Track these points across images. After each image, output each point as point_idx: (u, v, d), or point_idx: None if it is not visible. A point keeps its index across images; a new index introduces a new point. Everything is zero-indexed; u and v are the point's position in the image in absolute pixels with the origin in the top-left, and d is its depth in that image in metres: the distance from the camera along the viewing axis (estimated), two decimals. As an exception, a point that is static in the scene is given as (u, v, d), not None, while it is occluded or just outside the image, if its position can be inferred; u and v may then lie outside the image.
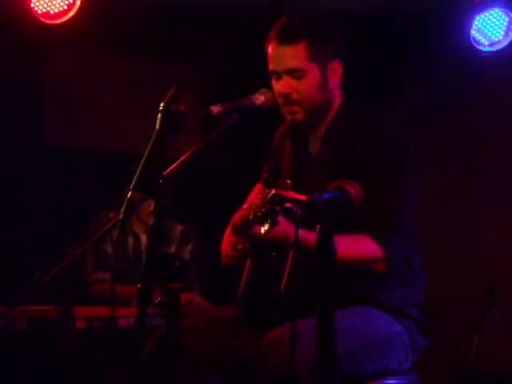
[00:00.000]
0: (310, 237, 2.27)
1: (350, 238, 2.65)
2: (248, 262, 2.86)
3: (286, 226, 2.56)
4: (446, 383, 4.70)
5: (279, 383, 2.54)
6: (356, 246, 2.71)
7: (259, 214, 2.42)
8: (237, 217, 2.77)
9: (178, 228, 4.72)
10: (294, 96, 2.86)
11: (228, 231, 2.92)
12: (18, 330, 3.37)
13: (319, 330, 2.12)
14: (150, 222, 2.17)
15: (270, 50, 2.88)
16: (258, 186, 3.16)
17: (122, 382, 3.36)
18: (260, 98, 2.82)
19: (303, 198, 2.25)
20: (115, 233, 4.32)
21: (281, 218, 2.49)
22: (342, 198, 2.22)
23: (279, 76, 2.87)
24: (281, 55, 2.85)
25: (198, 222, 4.82)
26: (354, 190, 2.24)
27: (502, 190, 4.82)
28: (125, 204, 2.16)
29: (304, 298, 2.16)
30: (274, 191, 2.35)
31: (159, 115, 2.21)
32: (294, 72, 2.84)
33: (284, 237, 2.61)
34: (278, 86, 2.87)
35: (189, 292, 4.42)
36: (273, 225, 2.37)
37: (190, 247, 4.71)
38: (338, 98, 2.93)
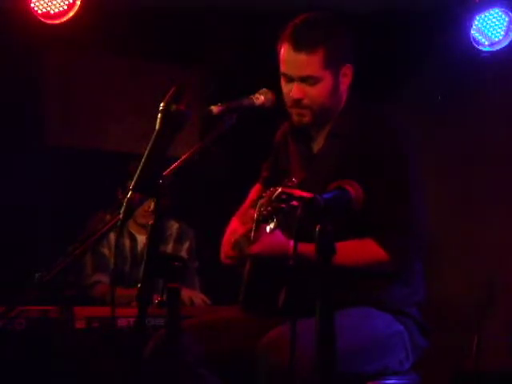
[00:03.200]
0: (309, 248, 2.26)
1: (354, 244, 2.66)
2: (248, 263, 2.87)
3: (282, 242, 2.59)
4: (445, 383, 4.70)
5: (279, 383, 2.54)
6: (361, 253, 2.73)
7: (265, 212, 2.43)
8: (234, 236, 2.80)
9: (175, 225, 4.68)
10: (305, 101, 2.86)
11: (228, 232, 2.93)
12: (18, 329, 3.37)
13: (319, 330, 2.12)
14: (150, 222, 2.16)
15: (283, 52, 2.86)
16: (258, 186, 3.17)
17: (121, 382, 3.36)
18: (260, 98, 2.81)
19: (309, 195, 2.25)
20: (113, 234, 4.35)
21: (276, 234, 2.51)
22: (342, 197, 2.22)
23: (291, 80, 2.86)
24: (296, 61, 2.84)
25: (197, 218, 4.81)
26: (354, 190, 2.24)
27: (502, 190, 4.81)
28: (125, 204, 2.15)
29: (305, 297, 2.16)
30: (280, 189, 2.34)
31: (159, 115, 2.21)
32: (308, 79, 2.84)
33: (282, 252, 2.64)
34: (290, 90, 2.86)
35: (190, 289, 4.42)
36: (278, 224, 2.38)
37: (187, 245, 4.68)
38: (344, 99, 2.93)
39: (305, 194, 2.26)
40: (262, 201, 2.60)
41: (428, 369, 3.09)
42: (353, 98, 2.94)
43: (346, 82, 2.90)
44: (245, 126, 2.72)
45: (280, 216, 2.38)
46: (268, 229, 2.42)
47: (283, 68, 2.88)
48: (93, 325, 3.50)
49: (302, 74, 2.84)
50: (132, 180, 4.73)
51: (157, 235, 2.16)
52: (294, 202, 2.28)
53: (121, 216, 2.16)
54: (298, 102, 2.86)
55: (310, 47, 2.82)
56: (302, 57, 2.82)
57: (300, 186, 2.86)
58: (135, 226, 4.55)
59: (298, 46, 2.83)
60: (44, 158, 4.91)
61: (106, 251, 4.49)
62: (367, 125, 2.86)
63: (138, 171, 2.15)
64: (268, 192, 2.54)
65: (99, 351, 3.50)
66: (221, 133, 2.64)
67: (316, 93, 2.85)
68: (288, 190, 2.32)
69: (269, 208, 2.40)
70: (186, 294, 4.33)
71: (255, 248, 2.72)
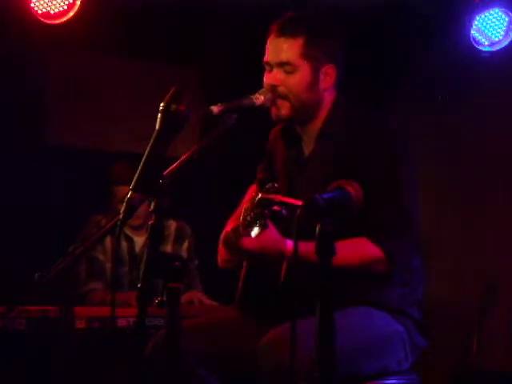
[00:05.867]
0: (308, 248, 2.26)
1: (349, 242, 2.65)
2: (245, 263, 2.86)
3: (276, 240, 2.59)
4: (445, 383, 4.70)
5: (278, 383, 2.54)
6: (356, 251, 2.72)
7: (248, 218, 2.45)
8: (225, 233, 2.79)
9: (173, 224, 4.64)
10: (281, 89, 2.85)
11: (223, 235, 2.91)
12: (18, 329, 3.37)
13: (319, 330, 2.12)
14: (150, 222, 2.16)
15: (268, 41, 2.89)
16: (253, 188, 3.16)
17: (122, 382, 3.36)
18: (260, 98, 2.82)
19: (291, 200, 2.26)
20: (108, 238, 4.33)
21: (270, 230, 2.51)
22: (342, 197, 2.22)
23: (271, 68, 2.87)
24: (276, 47, 2.86)
25: (194, 216, 4.80)
26: (353, 189, 2.24)
27: (502, 190, 4.82)
28: (125, 204, 2.16)
29: (304, 297, 2.16)
30: (260, 195, 2.37)
31: (159, 115, 2.21)
32: (284, 65, 2.84)
33: (277, 252, 2.63)
34: (267, 77, 2.87)
35: (191, 290, 4.41)
36: (262, 228, 2.40)
37: (186, 244, 4.65)
38: (328, 99, 2.91)
39: (286, 199, 2.27)
40: (245, 206, 2.61)
41: (428, 369, 3.09)
42: (341, 99, 2.93)
43: (327, 81, 2.88)
44: (244, 125, 2.73)
45: (263, 221, 2.41)
46: (253, 234, 2.43)
47: (265, 57, 2.89)
48: (93, 325, 3.49)
49: (280, 59, 2.84)
50: (118, 181, 4.73)
51: (157, 235, 2.17)
52: (276, 207, 2.30)
53: (121, 216, 2.16)
54: (274, 90, 2.84)
55: (291, 33, 2.83)
56: (282, 41, 2.84)
57: (292, 189, 2.87)
58: (130, 227, 4.53)
59: (279, 32, 2.85)
60: (44, 158, 4.91)
61: (100, 256, 4.46)
62: (355, 125, 2.86)
63: (138, 171, 2.15)
64: (250, 198, 2.56)
65: (99, 351, 3.50)
66: (221, 133, 2.64)
67: (292, 82, 2.84)
68: (268, 196, 2.34)
69: (252, 214, 2.43)
70: (194, 296, 4.32)
71: (249, 244, 2.66)
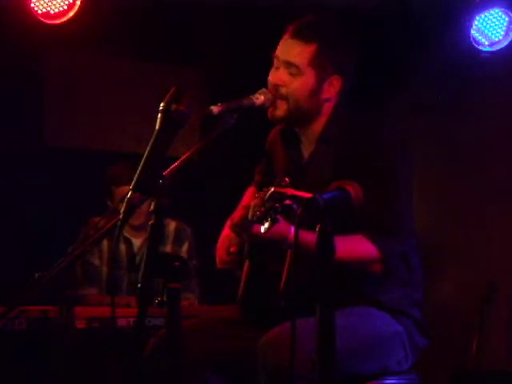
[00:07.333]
0: (309, 237, 2.27)
1: (346, 238, 2.64)
2: (247, 263, 2.86)
3: (284, 226, 2.57)
4: (445, 383, 4.71)
5: (278, 383, 2.54)
6: (352, 247, 2.71)
7: (258, 212, 2.43)
8: (236, 216, 2.77)
9: (171, 224, 4.62)
10: (283, 90, 2.85)
11: (222, 236, 2.91)
12: (18, 329, 3.37)
13: (319, 330, 2.12)
14: (151, 222, 2.16)
15: (282, 39, 2.90)
16: (251, 189, 3.16)
17: (122, 382, 3.36)
18: (260, 98, 2.82)
19: (302, 194, 2.25)
20: (106, 241, 4.31)
21: (280, 218, 2.50)
22: (342, 197, 2.22)
23: (278, 64, 2.88)
24: (288, 47, 2.87)
25: (194, 219, 4.79)
26: (353, 189, 2.24)
27: (502, 190, 4.82)
28: (125, 204, 2.15)
29: (304, 297, 2.16)
30: (273, 188, 2.35)
31: (159, 115, 2.21)
32: (291, 66, 2.84)
33: (282, 237, 2.62)
34: (272, 75, 2.88)
35: (187, 293, 4.40)
36: (273, 223, 2.38)
37: (186, 246, 4.62)
38: (328, 107, 2.91)
39: (298, 193, 2.26)
40: (255, 201, 2.60)
41: (428, 369, 3.09)
42: (342, 103, 2.93)
43: (331, 91, 2.88)
44: (244, 125, 2.73)
45: (274, 215, 2.39)
46: (263, 229, 2.42)
47: (276, 51, 2.89)
48: (93, 325, 3.50)
49: (288, 59, 2.85)
50: (118, 182, 4.73)
51: (157, 235, 2.16)
52: (288, 201, 2.29)
53: (121, 216, 2.16)
54: (276, 89, 2.85)
55: (306, 37, 2.84)
56: (294, 43, 2.85)
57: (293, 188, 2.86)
58: (129, 229, 4.50)
59: (295, 33, 2.86)
60: (44, 158, 4.91)
61: (96, 261, 4.44)
62: (354, 128, 2.86)
63: (138, 171, 2.15)
64: (261, 192, 2.54)
65: (99, 351, 3.50)
66: (221, 133, 2.64)
67: (295, 86, 2.84)
68: (281, 190, 2.33)
69: (262, 208, 2.41)
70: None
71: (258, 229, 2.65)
